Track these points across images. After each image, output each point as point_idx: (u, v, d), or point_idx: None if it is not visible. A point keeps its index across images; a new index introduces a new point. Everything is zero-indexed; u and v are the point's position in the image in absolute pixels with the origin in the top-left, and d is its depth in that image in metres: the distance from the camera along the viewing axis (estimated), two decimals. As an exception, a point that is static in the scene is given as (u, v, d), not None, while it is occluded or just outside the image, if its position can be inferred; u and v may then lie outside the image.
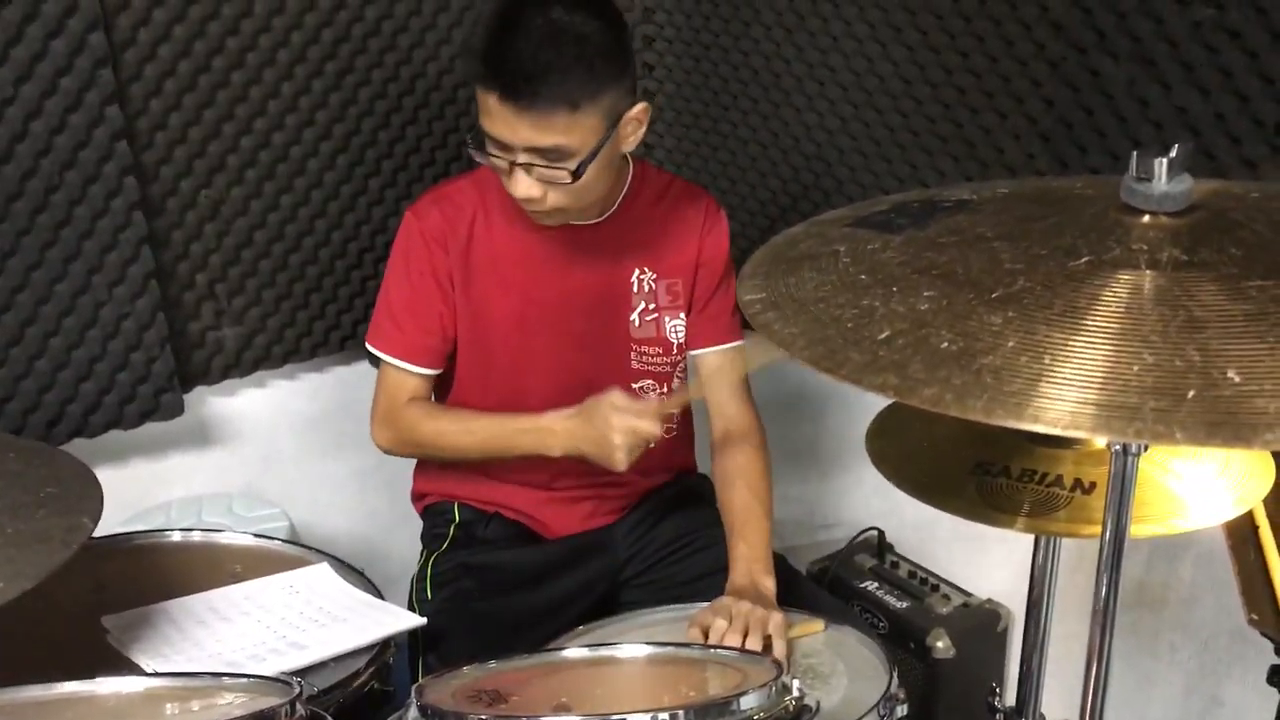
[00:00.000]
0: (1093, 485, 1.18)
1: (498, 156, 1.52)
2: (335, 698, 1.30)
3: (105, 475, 2.00)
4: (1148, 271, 0.81)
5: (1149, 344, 0.74)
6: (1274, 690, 1.51)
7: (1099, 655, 1.03)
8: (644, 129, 1.60)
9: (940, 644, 2.08)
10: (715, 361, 1.76)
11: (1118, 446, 0.91)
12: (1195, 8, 1.62)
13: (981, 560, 2.26)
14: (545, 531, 1.81)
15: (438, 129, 2.24)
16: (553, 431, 1.60)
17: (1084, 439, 1.13)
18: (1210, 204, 0.89)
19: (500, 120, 1.48)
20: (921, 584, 2.25)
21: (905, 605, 2.18)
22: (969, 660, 2.09)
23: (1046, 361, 0.74)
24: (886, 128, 2.06)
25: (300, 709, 0.99)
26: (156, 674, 1.07)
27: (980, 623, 2.15)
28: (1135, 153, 0.88)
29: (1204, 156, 1.64)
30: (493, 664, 1.12)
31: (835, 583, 2.27)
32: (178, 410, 2.09)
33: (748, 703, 0.97)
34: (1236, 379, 0.70)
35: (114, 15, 1.85)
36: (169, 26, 1.91)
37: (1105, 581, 0.97)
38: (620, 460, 1.55)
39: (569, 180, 1.51)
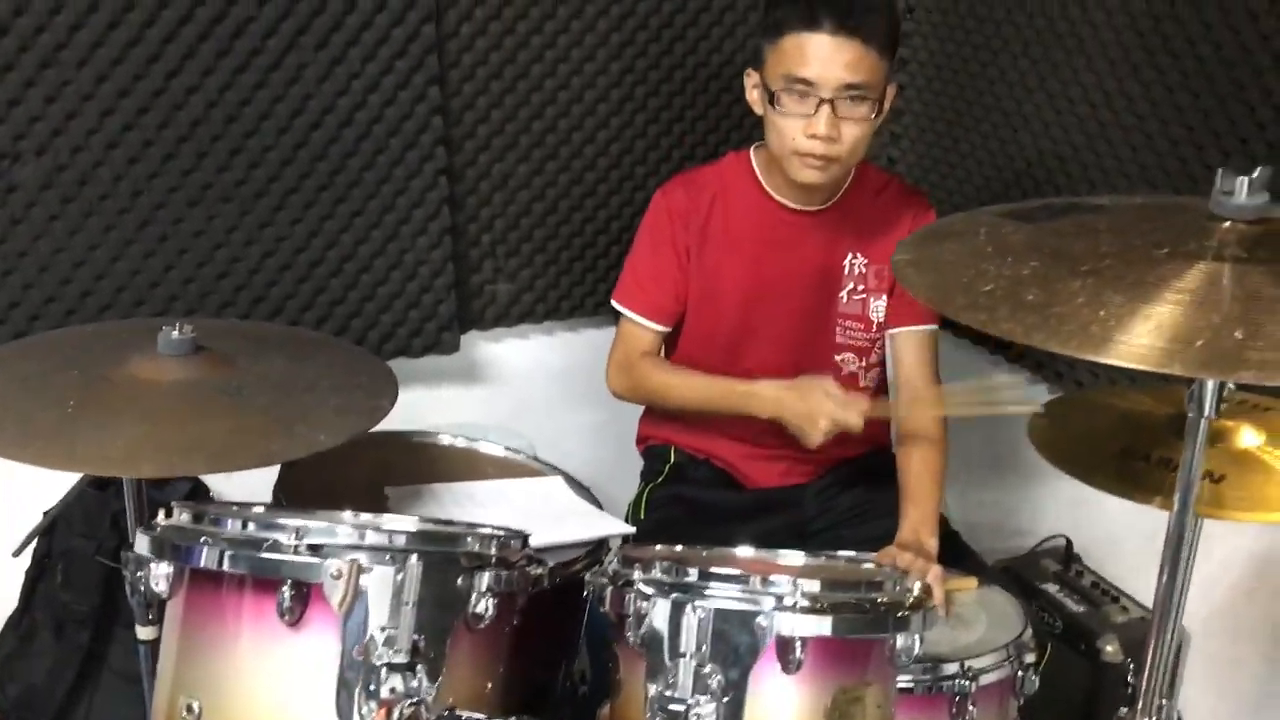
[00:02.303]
0: (1222, 476, 1.33)
1: (803, 100, 1.76)
2: (555, 575, 1.57)
3: (391, 394, 2.38)
4: (1212, 262, 0.99)
5: (1177, 304, 0.93)
6: None
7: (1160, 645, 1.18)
8: (889, 108, 1.84)
9: (1109, 648, 2.18)
10: (909, 340, 1.97)
11: (1192, 411, 1.08)
12: None
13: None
14: (745, 481, 2.07)
15: (700, 127, 2.53)
16: (764, 398, 1.85)
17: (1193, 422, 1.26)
18: (1286, 218, 1.06)
19: (817, 60, 1.74)
20: (1103, 594, 2.34)
21: (1082, 610, 2.29)
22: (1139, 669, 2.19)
23: (1100, 314, 0.93)
24: (1110, 144, 2.19)
25: (528, 549, 1.29)
26: (424, 519, 1.37)
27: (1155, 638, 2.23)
28: (1220, 170, 1.06)
29: None
30: (679, 548, 1.38)
31: (1017, 581, 2.39)
32: (454, 348, 2.46)
33: (872, 588, 1.20)
34: (1240, 335, 0.88)
35: (444, 10, 2.22)
36: (486, 23, 2.27)
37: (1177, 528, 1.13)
38: (815, 439, 1.78)
39: (870, 116, 1.77)
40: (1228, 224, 1.06)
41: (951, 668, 1.45)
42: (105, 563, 2.09)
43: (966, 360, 2.69)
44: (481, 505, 1.74)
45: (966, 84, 2.54)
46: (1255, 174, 1.05)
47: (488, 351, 2.58)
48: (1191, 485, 1.14)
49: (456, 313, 2.43)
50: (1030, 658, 1.52)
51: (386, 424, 1.92)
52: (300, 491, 1.70)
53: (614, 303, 2.05)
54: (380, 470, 1.83)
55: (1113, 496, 1.43)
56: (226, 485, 2.31)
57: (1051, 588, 2.37)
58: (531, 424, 2.62)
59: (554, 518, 1.74)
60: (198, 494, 2.22)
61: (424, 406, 2.53)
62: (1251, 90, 1.93)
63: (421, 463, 1.89)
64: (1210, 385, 1.07)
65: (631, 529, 1.74)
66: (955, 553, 1.87)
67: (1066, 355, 0.97)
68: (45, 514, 2.09)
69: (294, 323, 2.27)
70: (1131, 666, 1.65)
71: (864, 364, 2.00)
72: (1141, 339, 0.91)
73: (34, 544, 2.15)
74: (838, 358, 1.98)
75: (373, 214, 2.28)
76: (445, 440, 1.98)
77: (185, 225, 2.14)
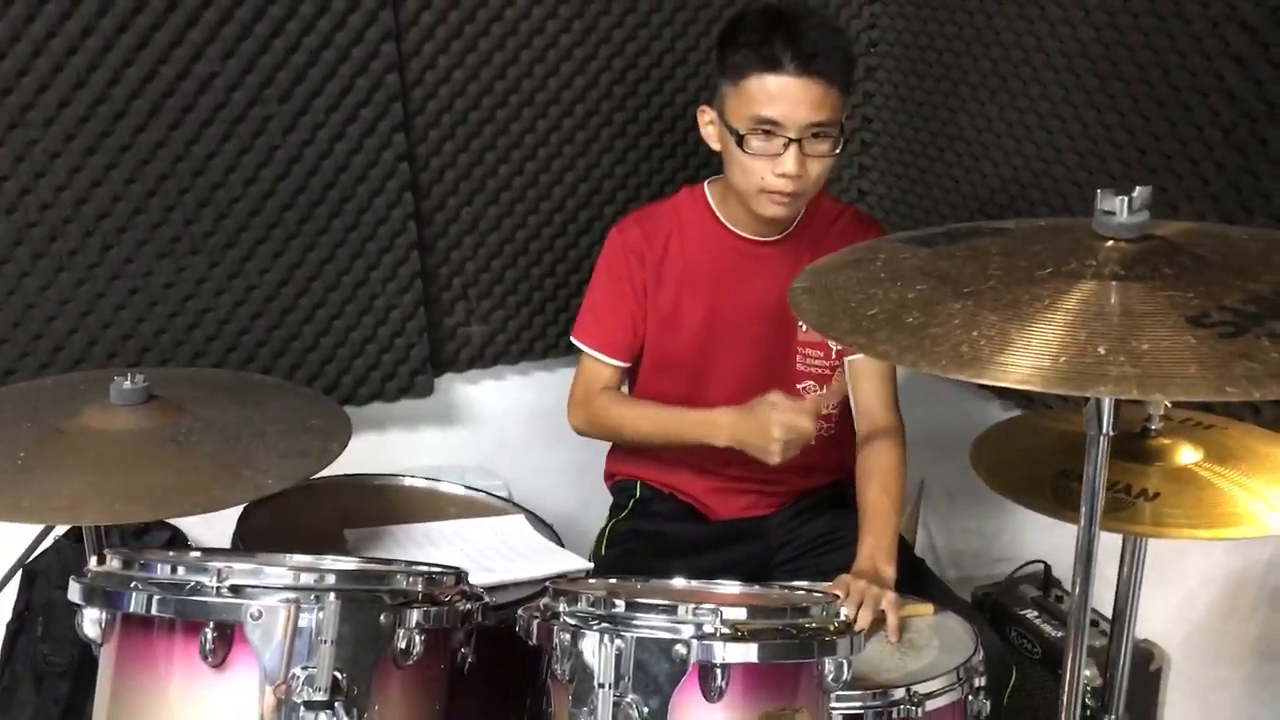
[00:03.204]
0: (1156, 494, 1.33)
1: (769, 140, 1.79)
2: (511, 612, 1.58)
3: (368, 439, 2.41)
4: (1091, 281, 1.00)
5: (1052, 323, 0.95)
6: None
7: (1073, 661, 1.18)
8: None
9: (1087, 672, 2.16)
10: (866, 367, 1.97)
11: (1091, 429, 1.09)
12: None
13: (1145, 604, 2.32)
14: (710, 514, 2.08)
15: (668, 166, 2.57)
16: (719, 425, 1.86)
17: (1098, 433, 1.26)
18: (1171, 236, 1.07)
19: (783, 100, 1.77)
20: (1082, 619, 2.33)
21: (1060, 635, 2.28)
22: (1116, 693, 2.17)
23: (974, 335, 0.95)
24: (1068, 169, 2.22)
25: (464, 585, 1.30)
26: (367, 558, 1.39)
27: (1133, 659, 2.21)
28: (1100, 191, 1.07)
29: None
30: (613, 580, 1.39)
31: (996, 608, 2.39)
32: (428, 391, 2.49)
33: (798, 614, 1.21)
34: (1103, 351, 0.89)
35: (407, 60, 2.27)
36: (449, 71, 2.31)
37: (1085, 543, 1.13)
38: (775, 453, 1.78)
39: (834, 152, 1.81)
40: (1110, 243, 1.08)
41: (898, 693, 1.45)
42: (83, 614, 2.11)
43: (932, 382, 2.71)
44: (439, 546, 1.76)
45: (930, 115, 2.57)
46: (1135, 193, 1.07)
47: (463, 393, 2.60)
48: (1095, 502, 1.14)
49: (430, 356, 2.46)
50: (980, 681, 1.52)
51: (356, 467, 1.96)
52: (261, 536, 1.72)
53: (573, 339, 2.07)
54: (342, 513, 1.85)
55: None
56: (207, 533, 2.33)
57: (1030, 613, 2.36)
58: (508, 464, 2.64)
59: (512, 556, 1.75)
60: (176, 542, 2.24)
61: (401, 450, 2.56)
62: (1199, 113, 1.95)
63: (383, 505, 1.90)
64: (1107, 402, 1.08)
65: (589, 565, 1.75)
66: (916, 578, 1.86)
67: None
68: (12, 569, 2.11)
69: (267, 370, 2.30)
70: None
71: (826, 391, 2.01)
72: (1009, 357, 0.92)
73: (14, 598, 2.18)
74: (800, 386, 1.99)
75: (343, 261, 2.31)
76: (407, 482, 2.00)
77: (155, 278, 2.17)
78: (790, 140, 1.78)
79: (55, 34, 1.98)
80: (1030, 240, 1.12)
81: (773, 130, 1.79)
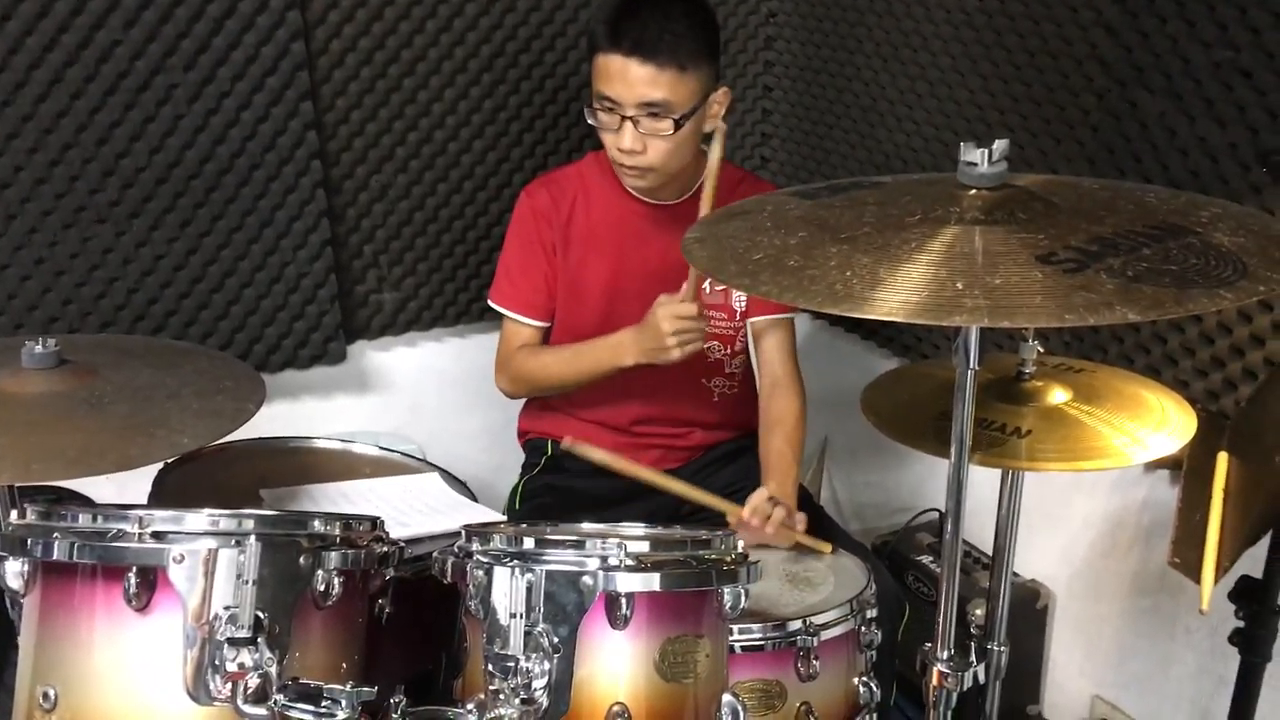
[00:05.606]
0: (1029, 431, 1.44)
1: (610, 114, 1.87)
2: (426, 563, 1.63)
3: (281, 407, 2.42)
4: (954, 226, 1.10)
5: (917, 263, 1.03)
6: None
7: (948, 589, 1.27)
8: (723, 110, 1.94)
9: (978, 611, 2.28)
10: (768, 327, 2.07)
11: (960, 364, 1.19)
12: (1216, 50, 1.84)
13: (1032, 546, 2.46)
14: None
15: (575, 135, 2.62)
16: (623, 344, 1.95)
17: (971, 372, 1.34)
18: (1028, 185, 1.18)
19: (619, 79, 1.84)
20: (974, 562, 2.46)
21: (954, 578, 2.40)
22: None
23: (847, 275, 1.04)
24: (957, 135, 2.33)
25: (380, 531, 1.36)
26: (282, 511, 1.43)
27: (1020, 598, 2.35)
28: (962, 144, 1.17)
29: (1218, 181, 1.86)
30: (524, 526, 1.46)
31: (894, 554, 2.51)
32: (341, 358, 2.52)
33: (699, 546, 1.29)
34: (960, 286, 0.98)
35: (313, 28, 2.28)
36: (355, 39, 2.34)
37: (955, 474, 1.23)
38: (673, 348, 1.86)
39: (671, 131, 1.85)
40: (972, 192, 1.17)
41: (795, 625, 1.55)
42: (-6, 585, 2.11)
43: (834, 343, 2.82)
44: (355, 503, 1.80)
45: (827, 83, 2.65)
46: (994, 146, 1.16)
47: (377, 360, 2.63)
48: (965, 429, 1.24)
49: (342, 323, 2.49)
50: (872, 613, 1.62)
51: (270, 435, 1.99)
52: (176, 499, 1.74)
53: (490, 302, 2.13)
54: (257, 476, 1.88)
55: (980, 468, 1.54)
56: (121, 501, 2.34)
57: (926, 559, 2.48)
58: (423, 429, 2.68)
59: (427, 511, 1.80)
60: (88, 511, 2.24)
61: (315, 417, 2.58)
62: (1075, 79, 2.07)
63: (299, 466, 1.94)
64: (974, 339, 1.17)
65: (502, 518, 1.81)
66: (816, 523, 1.95)
67: (843, 315, 1.07)
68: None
69: (178, 339, 2.31)
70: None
71: (729, 351, 2.09)
72: (878, 293, 1.01)
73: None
74: (705, 346, 2.07)
75: (251, 229, 2.33)
76: (322, 444, 2.04)
77: (61, 248, 2.17)
78: (625, 117, 1.85)
79: (-47, 2, 1.97)
80: (903, 192, 1.21)
81: (611, 107, 1.86)
